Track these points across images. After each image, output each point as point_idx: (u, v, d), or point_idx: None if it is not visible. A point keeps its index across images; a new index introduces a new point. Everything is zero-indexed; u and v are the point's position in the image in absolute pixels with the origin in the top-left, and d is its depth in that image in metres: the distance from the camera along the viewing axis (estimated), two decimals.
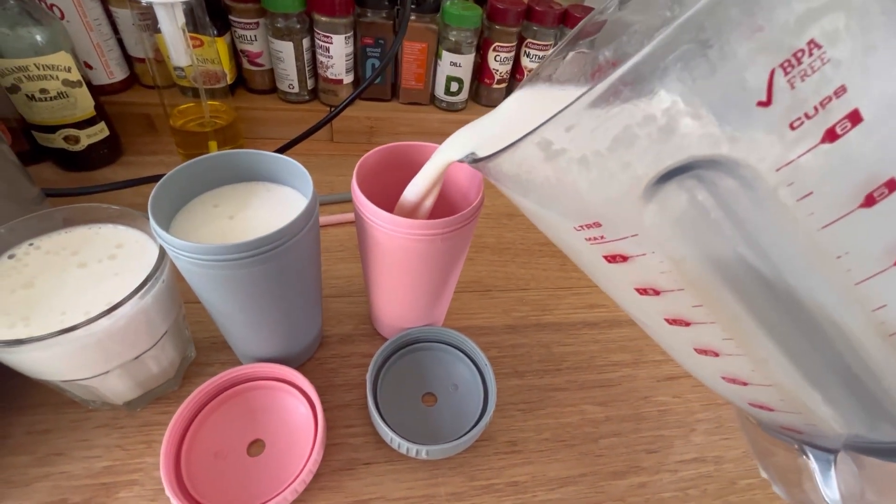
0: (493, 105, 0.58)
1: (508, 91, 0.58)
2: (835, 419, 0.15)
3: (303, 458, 0.25)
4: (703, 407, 0.33)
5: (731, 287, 0.13)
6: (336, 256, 0.40)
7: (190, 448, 0.25)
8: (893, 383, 0.13)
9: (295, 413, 0.28)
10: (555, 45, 0.54)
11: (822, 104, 0.10)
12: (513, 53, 0.54)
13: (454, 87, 0.53)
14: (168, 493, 0.22)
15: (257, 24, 0.47)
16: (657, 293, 0.15)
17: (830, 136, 0.10)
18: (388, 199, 0.27)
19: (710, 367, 0.16)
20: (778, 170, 0.10)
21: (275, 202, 0.26)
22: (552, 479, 0.28)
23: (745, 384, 0.16)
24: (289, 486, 0.23)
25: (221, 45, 0.46)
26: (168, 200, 0.23)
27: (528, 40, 0.53)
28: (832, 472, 0.15)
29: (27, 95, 0.38)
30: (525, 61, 0.55)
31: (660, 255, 0.13)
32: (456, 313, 0.37)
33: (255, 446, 0.26)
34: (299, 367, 0.32)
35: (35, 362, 0.21)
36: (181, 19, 0.37)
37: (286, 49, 0.47)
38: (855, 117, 0.10)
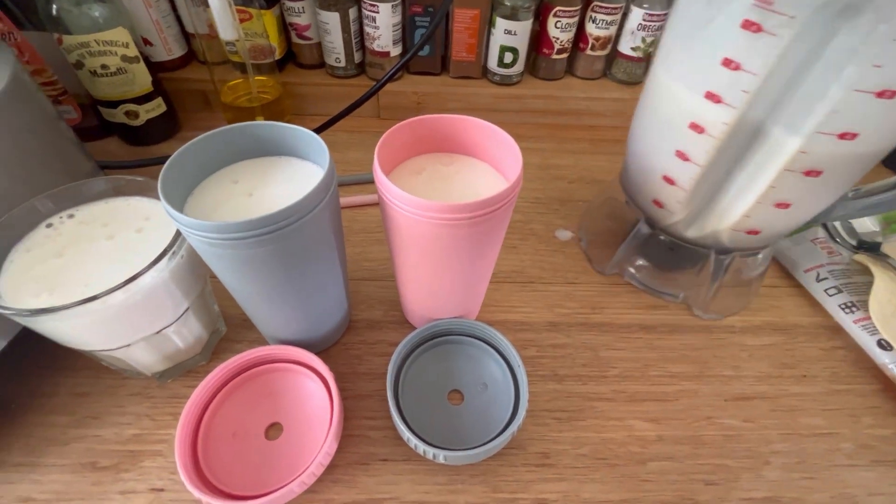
0: (551, 78, 0.53)
1: (570, 62, 0.53)
2: None
3: (317, 448, 0.24)
4: (781, 437, 0.28)
5: None
6: (372, 238, 0.38)
7: (209, 426, 0.25)
8: None
9: (314, 400, 0.27)
10: (626, 8, 0.48)
11: None
12: (576, 19, 0.48)
13: (508, 58, 0.49)
14: (180, 471, 0.22)
15: None
16: None
17: None
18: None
19: None
20: None
21: (295, 178, 0.24)
22: (587, 500, 0.25)
23: None
24: (297, 477, 0.22)
25: (269, 18, 0.45)
26: (183, 175, 0.22)
27: (595, 3, 0.47)
28: None
29: (90, 71, 0.39)
30: (590, 28, 0.49)
31: None
32: (493, 305, 0.34)
33: (273, 430, 0.26)
34: (324, 352, 0.31)
35: (58, 331, 0.22)
36: None
37: (332, 20, 0.45)
38: None
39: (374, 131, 0.50)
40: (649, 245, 0.34)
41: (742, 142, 0.24)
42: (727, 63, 0.22)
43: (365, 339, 0.31)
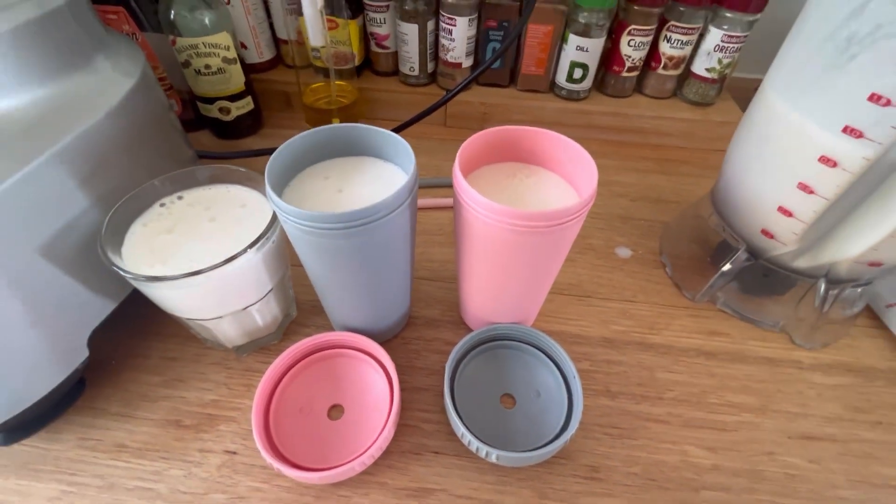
0: (619, 96, 0.53)
1: (639, 80, 0.53)
2: None
3: (375, 432, 0.25)
4: (850, 483, 0.26)
5: None
6: (434, 240, 0.40)
7: (280, 399, 0.27)
8: None
9: (375, 387, 0.28)
10: (703, 28, 0.47)
11: None
12: (650, 38, 0.48)
13: (578, 73, 0.49)
14: (256, 437, 0.24)
15: (388, 6, 0.48)
16: None
17: None
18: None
19: None
20: None
21: (381, 178, 0.26)
22: None
23: None
24: (358, 457, 0.24)
25: (353, 27, 0.48)
26: (284, 168, 0.24)
27: (672, 23, 0.47)
28: None
29: (195, 70, 0.44)
30: (664, 47, 0.48)
31: None
32: (548, 315, 0.34)
33: (335, 410, 0.28)
34: (384, 343, 0.32)
35: (166, 298, 0.24)
36: (320, 2, 0.39)
37: (411, 31, 0.48)
38: None
39: (439, 138, 0.52)
40: (742, 271, 0.33)
41: (879, 176, 0.24)
42: (875, 98, 0.22)
43: (423, 336, 0.33)
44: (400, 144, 0.25)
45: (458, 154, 0.24)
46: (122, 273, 0.23)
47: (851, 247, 0.27)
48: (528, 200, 0.26)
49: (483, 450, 0.24)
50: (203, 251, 0.25)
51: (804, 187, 0.26)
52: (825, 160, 0.25)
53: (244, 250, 0.24)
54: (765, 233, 0.30)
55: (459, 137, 0.52)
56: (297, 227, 0.22)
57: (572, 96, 0.51)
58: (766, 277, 0.33)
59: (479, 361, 0.30)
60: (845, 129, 0.23)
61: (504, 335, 0.30)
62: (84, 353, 0.26)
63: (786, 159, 0.27)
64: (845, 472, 0.27)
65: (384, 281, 0.27)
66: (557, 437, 0.26)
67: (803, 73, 0.26)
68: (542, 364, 0.29)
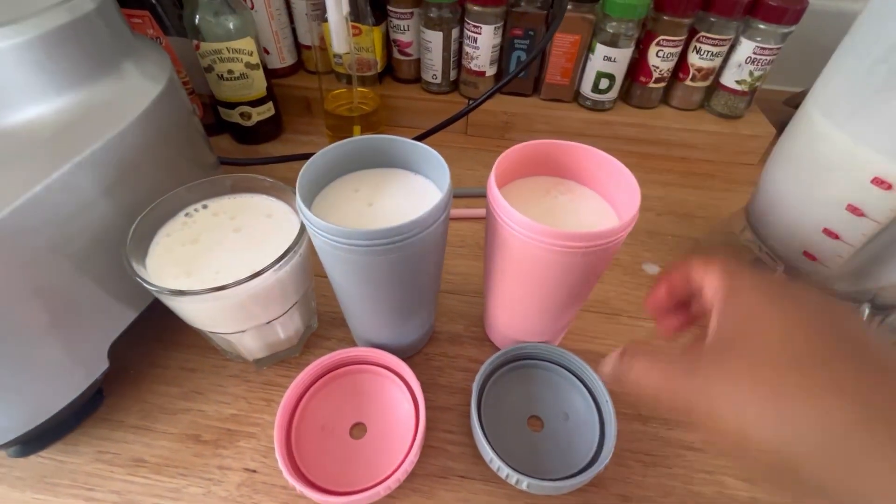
0: (645, 107, 0.51)
1: (666, 92, 0.51)
2: None
3: (400, 454, 0.25)
4: None
5: None
6: (456, 252, 0.39)
7: (302, 416, 0.26)
8: None
9: (399, 406, 0.27)
10: (734, 40, 0.46)
11: None
12: (679, 49, 0.47)
13: (604, 84, 0.48)
14: (278, 457, 0.23)
15: (412, 14, 0.48)
16: None
17: None
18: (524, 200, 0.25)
19: None
20: None
21: (412, 192, 0.25)
22: None
23: None
24: (383, 481, 0.23)
25: (377, 34, 0.48)
26: (314, 178, 0.24)
27: (702, 34, 0.46)
28: None
29: (218, 75, 0.43)
30: (693, 58, 0.47)
31: None
32: (575, 334, 0.33)
33: (358, 429, 0.27)
34: (407, 359, 0.31)
35: (189, 312, 0.24)
36: (346, 8, 0.39)
37: (435, 39, 0.47)
38: None
39: (460, 146, 0.52)
40: None
41: None
42: None
43: (446, 352, 0.32)
44: (433, 157, 0.24)
45: (494, 167, 0.23)
46: (147, 286, 0.22)
47: None
48: (564, 218, 0.25)
49: (514, 477, 0.23)
50: (228, 262, 0.24)
51: (853, 209, 0.25)
52: (879, 182, 0.24)
53: (271, 265, 0.23)
54: (807, 255, 0.29)
55: (480, 146, 0.52)
56: (328, 242, 0.21)
57: (597, 107, 0.50)
58: None
59: (506, 381, 0.29)
60: None
61: (531, 354, 0.29)
62: (104, 364, 0.26)
63: (833, 180, 0.26)
64: None
65: (412, 297, 0.26)
66: (590, 464, 0.24)
67: (854, 92, 0.25)
68: (570, 385, 0.28)
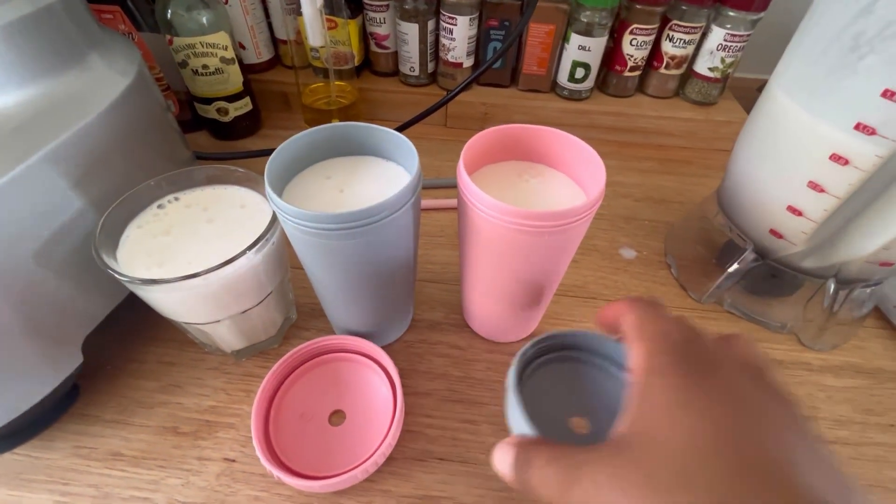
0: (621, 95, 0.52)
1: (642, 80, 0.52)
2: None
3: (378, 439, 0.25)
4: (863, 487, 0.26)
5: None
6: (435, 241, 0.39)
7: (280, 405, 0.27)
8: None
9: (377, 392, 0.27)
10: (706, 27, 0.47)
11: None
12: (652, 37, 0.47)
13: (580, 73, 0.49)
14: (255, 444, 0.24)
15: (387, 6, 0.48)
16: None
17: None
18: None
19: None
20: None
21: (383, 178, 0.25)
22: None
23: None
24: (361, 464, 0.23)
25: (353, 27, 0.48)
26: (284, 167, 0.24)
27: (674, 22, 0.46)
28: None
29: (192, 70, 0.43)
30: (666, 46, 0.48)
31: None
32: (554, 318, 0.34)
33: (337, 416, 0.27)
34: (387, 346, 0.32)
35: (162, 302, 0.24)
36: (319, 1, 0.39)
37: (411, 31, 0.47)
38: None
39: (439, 139, 0.52)
40: (749, 271, 0.32)
41: (891, 173, 0.24)
42: (889, 95, 0.21)
43: (426, 339, 0.32)
44: (402, 143, 0.24)
45: (462, 152, 0.24)
46: (117, 276, 0.22)
47: (863, 246, 0.26)
48: (535, 200, 0.25)
49: None
50: (201, 253, 0.24)
51: (815, 186, 0.26)
52: (836, 158, 0.24)
53: (243, 252, 0.23)
54: (773, 233, 0.29)
55: (460, 138, 0.52)
56: (298, 227, 0.21)
57: (574, 96, 0.51)
58: (773, 278, 0.32)
59: (543, 374, 0.24)
60: (857, 127, 0.23)
61: (574, 345, 0.24)
62: (78, 359, 0.26)
63: (795, 158, 0.27)
64: (858, 476, 0.26)
65: (386, 283, 0.26)
66: None
67: (812, 71, 0.25)
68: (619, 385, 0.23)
